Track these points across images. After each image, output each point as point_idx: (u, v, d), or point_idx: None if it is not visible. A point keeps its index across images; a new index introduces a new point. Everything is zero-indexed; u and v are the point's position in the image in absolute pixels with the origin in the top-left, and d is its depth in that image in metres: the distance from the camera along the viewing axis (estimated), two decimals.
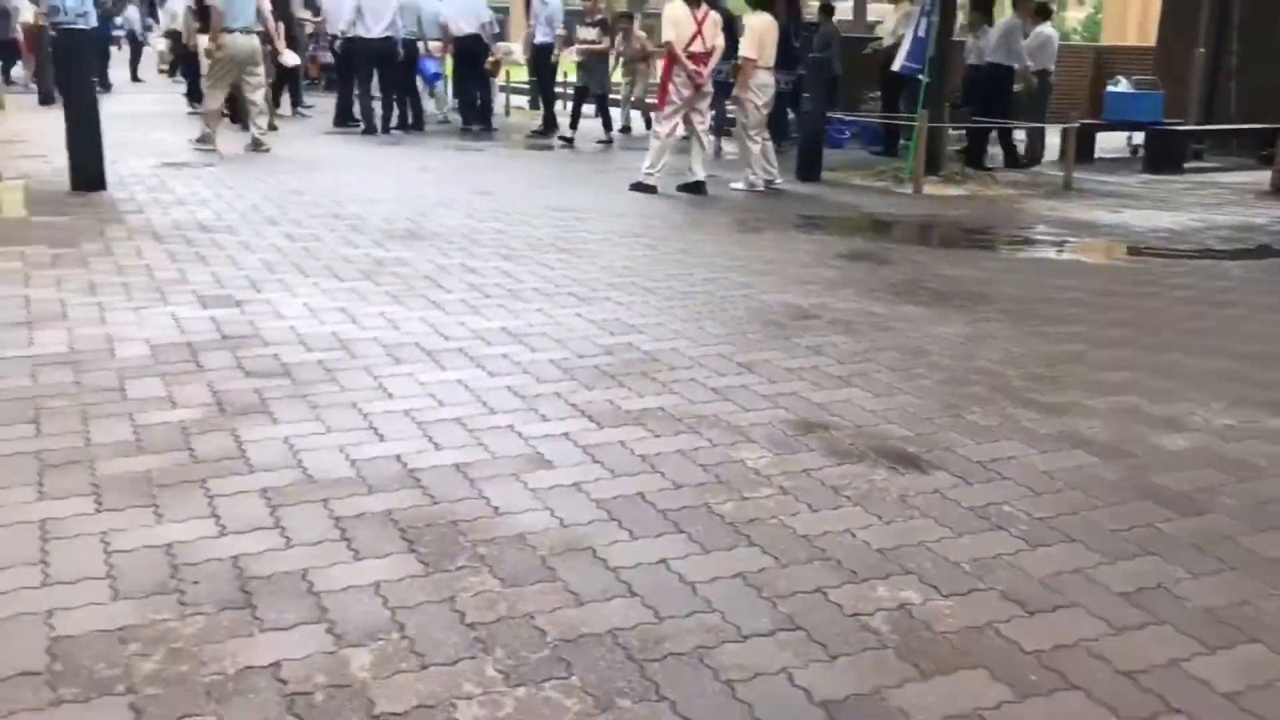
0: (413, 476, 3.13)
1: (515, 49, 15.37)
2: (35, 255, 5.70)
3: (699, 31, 8.41)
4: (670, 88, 8.48)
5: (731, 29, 9.55)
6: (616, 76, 14.12)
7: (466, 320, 4.77)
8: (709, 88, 8.66)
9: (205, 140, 10.30)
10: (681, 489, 3.11)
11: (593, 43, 13.01)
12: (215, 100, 10.29)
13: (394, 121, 13.02)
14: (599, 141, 12.80)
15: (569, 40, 13.44)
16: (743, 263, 6.18)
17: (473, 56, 13.38)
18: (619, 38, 13.93)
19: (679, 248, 6.55)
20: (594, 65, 13.15)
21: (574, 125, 12.98)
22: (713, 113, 9.42)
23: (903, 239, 7.58)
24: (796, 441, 3.49)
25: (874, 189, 9.69)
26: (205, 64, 10.85)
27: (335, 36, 13.09)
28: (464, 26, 13.26)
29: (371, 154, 10.87)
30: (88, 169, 7.62)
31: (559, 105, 14.26)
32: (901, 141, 11.19)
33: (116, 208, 7.14)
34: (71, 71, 7.52)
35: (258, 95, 10.36)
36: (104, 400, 3.66)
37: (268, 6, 12.09)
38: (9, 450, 3.22)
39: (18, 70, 18.17)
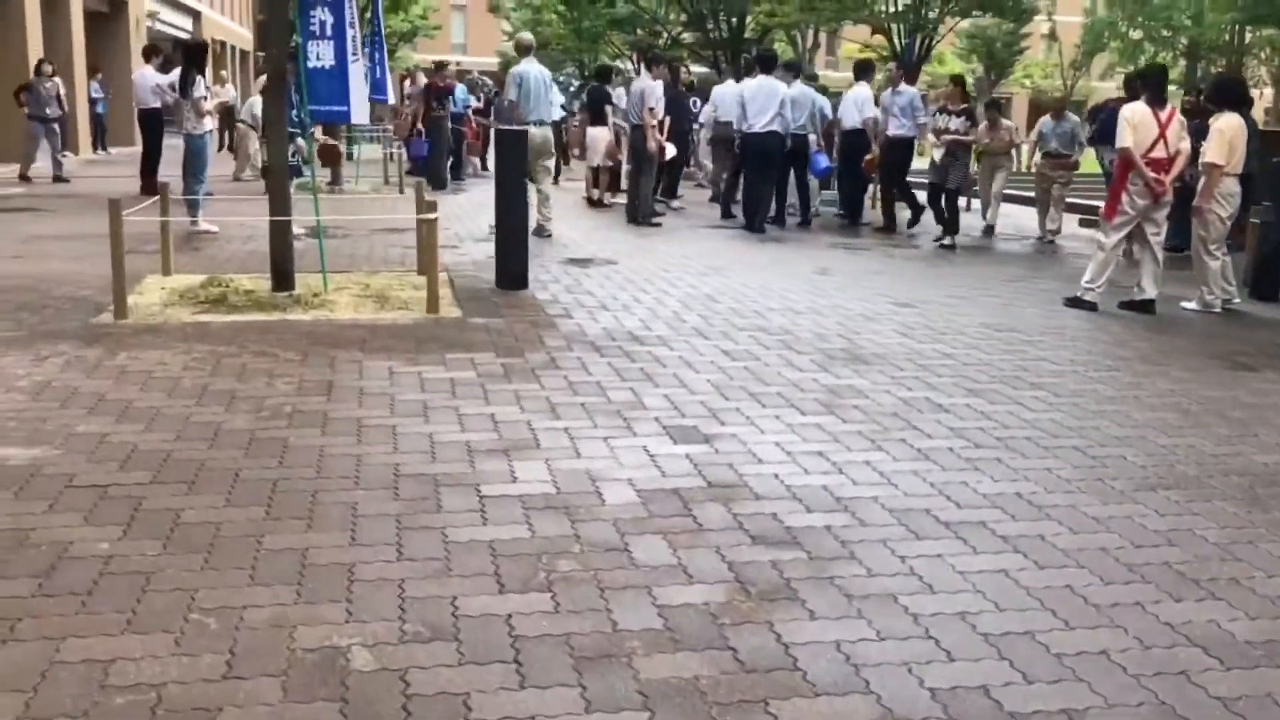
0: None
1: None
2: (486, 365, 5.60)
3: (1162, 135, 7.47)
4: (1124, 197, 7.57)
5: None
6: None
7: (969, 480, 4.12)
8: (1169, 197, 7.67)
9: (539, 231, 10.58)
10: None
11: (959, 134, 11.98)
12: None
13: (772, 214, 12.78)
14: (941, 244, 11.54)
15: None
16: (1260, 414, 5.19)
17: (858, 150, 12.96)
18: (982, 127, 12.81)
19: (1166, 388, 5.63)
20: (956, 159, 12.06)
21: (954, 229, 11.72)
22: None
23: None
24: None
25: None
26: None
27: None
28: (851, 121, 12.89)
29: (762, 252, 10.55)
30: (514, 267, 7.67)
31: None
32: None
33: (544, 310, 7.09)
34: (506, 168, 7.61)
35: (546, 184, 10.77)
36: (613, 565, 3.28)
37: (655, 99, 12.20)
38: (535, 630, 2.87)
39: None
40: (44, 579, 3.06)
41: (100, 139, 25.28)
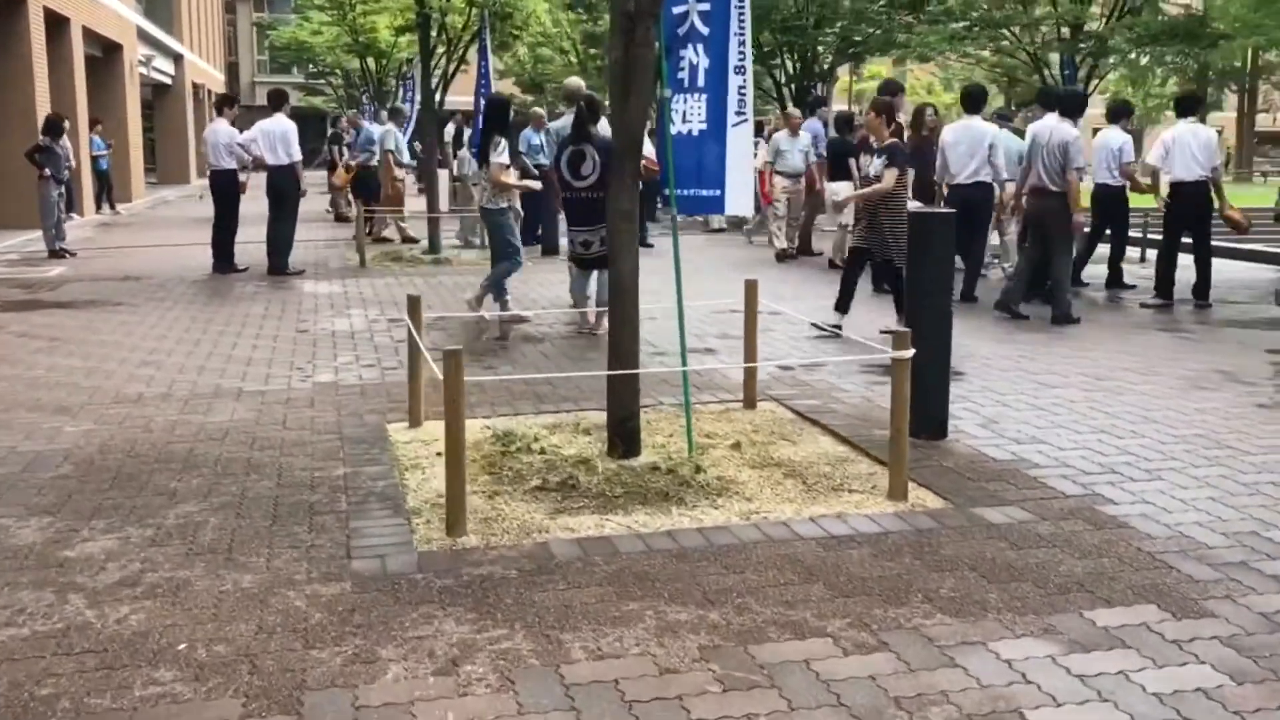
0: None
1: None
2: (1201, 649, 3.28)
3: None
4: None
5: None
6: None
7: None
8: None
9: None
10: None
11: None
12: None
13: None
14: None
15: None
16: None
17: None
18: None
19: None
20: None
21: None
22: None
23: None
24: None
25: None
26: None
27: None
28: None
29: (1140, 350, 8.31)
30: (935, 409, 5.37)
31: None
32: None
33: (1040, 481, 4.77)
34: (923, 265, 5.33)
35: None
36: None
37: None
38: None
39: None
40: None
41: (105, 196, 22.62)
